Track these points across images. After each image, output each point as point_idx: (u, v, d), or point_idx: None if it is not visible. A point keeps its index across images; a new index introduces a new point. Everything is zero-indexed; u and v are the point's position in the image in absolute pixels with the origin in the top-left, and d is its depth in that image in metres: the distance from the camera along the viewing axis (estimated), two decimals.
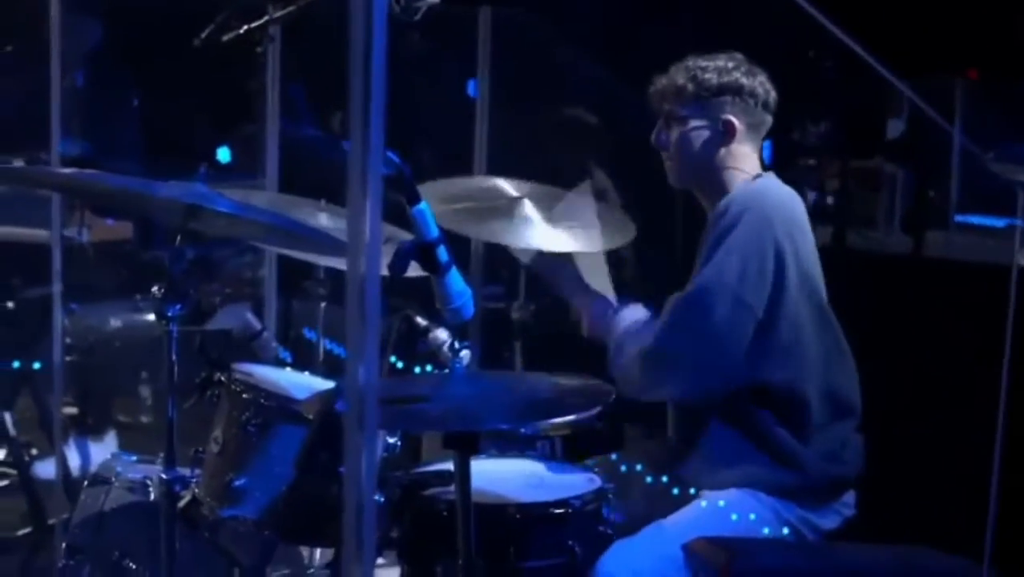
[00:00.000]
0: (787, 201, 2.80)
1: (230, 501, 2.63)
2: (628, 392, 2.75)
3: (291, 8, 3.71)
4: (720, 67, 2.83)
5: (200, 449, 2.73)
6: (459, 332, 3.87)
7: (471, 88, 5.07)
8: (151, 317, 2.78)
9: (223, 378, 2.73)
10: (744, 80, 2.82)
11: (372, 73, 1.53)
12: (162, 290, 2.41)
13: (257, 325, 2.89)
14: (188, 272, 2.41)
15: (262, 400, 2.64)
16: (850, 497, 2.86)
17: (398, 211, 3.56)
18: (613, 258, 3.30)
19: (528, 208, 3.55)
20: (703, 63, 2.84)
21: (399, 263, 2.08)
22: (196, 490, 2.69)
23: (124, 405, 5.03)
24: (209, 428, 2.74)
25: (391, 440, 2.80)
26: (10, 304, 4.70)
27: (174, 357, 2.43)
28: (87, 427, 4.80)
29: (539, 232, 3.48)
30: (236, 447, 2.65)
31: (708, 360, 2.67)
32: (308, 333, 4.03)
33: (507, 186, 3.64)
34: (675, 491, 2.81)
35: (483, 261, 4.15)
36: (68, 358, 4.57)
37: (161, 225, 4.14)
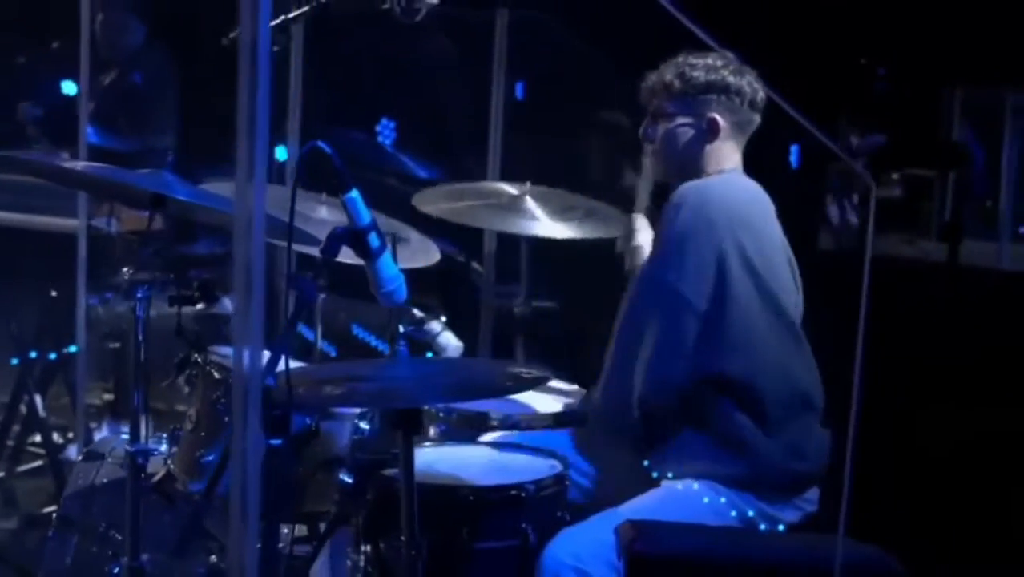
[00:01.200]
0: (735, 195, 2.85)
1: (200, 476, 2.74)
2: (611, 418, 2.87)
3: (307, 8, 3.82)
4: (708, 65, 2.89)
5: (177, 426, 2.86)
6: (466, 326, 3.99)
7: (519, 91, 5.18)
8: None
9: (199, 359, 2.85)
10: (731, 79, 2.88)
11: (258, 60, 1.64)
12: (131, 273, 2.53)
13: (232, 309, 2.99)
14: (155, 256, 2.53)
15: (231, 380, 2.75)
16: (813, 493, 2.87)
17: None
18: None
19: (530, 203, 3.67)
20: (692, 60, 2.90)
21: (331, 246, 2.18)
22: (171, 465, 2.82)
23: (159, 392, 5.17)
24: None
25: (362, 424, 2.90)
26: (53, 292, 4.89)
27: (140, 337, 2.55)
28: (121, 413, 4.96)
29: (542, 224, 3.60)
30: (208, 425, 2.77)
31: (655, 353, 2.73)
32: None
33: (508, 187, 3.76)
34: (645, 477, 2.86)
35: (495, 259, 4.24)
36: (105, 345, 4.77)
37: (191, 220, 4.30)
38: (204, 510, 2.46)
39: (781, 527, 2.77)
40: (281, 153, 6.05)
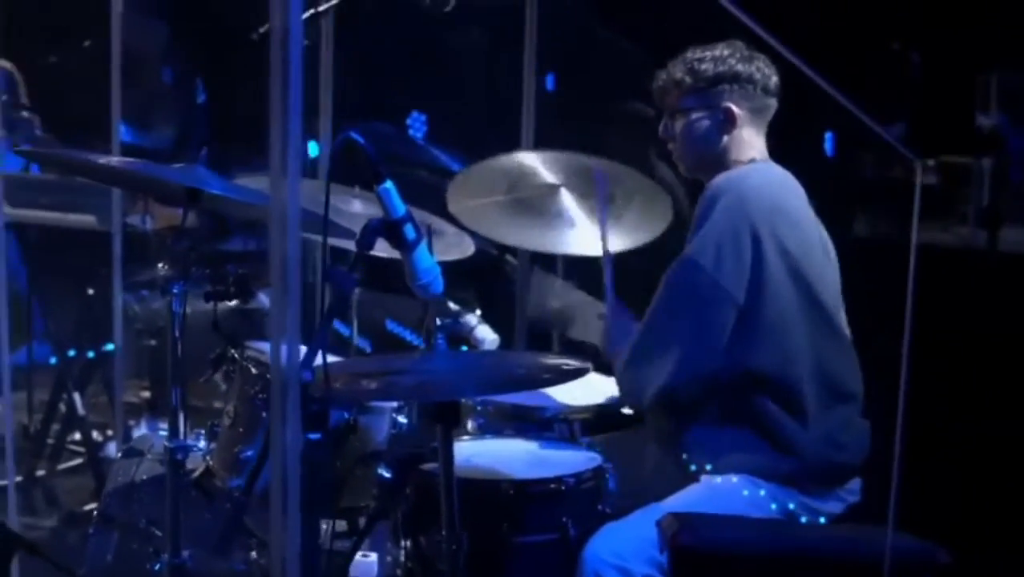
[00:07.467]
0: (770, 186, 2.82)
1: (239, 472, 2.74)
2: (626, 398, 2.90)
3: (335, 0, 3.79)
4: (716, 56, 2.86)
5: (215, 422, 2.86)
6: (501, 319, 3.93)
7: (549, 82, 5.15)
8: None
9: (236, 354, 2.84)
10: (740, 67, 2.85)
11: (290, 58, 1.64)
12: (165, 268, 2.53)
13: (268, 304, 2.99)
14: (190, 252, 2.53)
15: (269, 375, 2.74)
16: (855, 484, 2.85)
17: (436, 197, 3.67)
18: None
19: (565, 199, 3.54)
20: (699, 54, 2.88)
21: (367, 239, 2.17)
22: (210, 461, 2.82)
23: (197, 389, 5.17)
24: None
25: (399, 419, 2.89)
26: (90, 291, 4.91)
27: (177, 332, 2.55)
28: (159, 410, 4.98)
29: (577, 234, 3.48)
30: (245, 420, 2.77)
31: (689, 345, 2.71)
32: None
33: (544, 171, 3.60)
34: (682, 472, 2.84)
35: (529, 251, 4.21)
36: (141, 343, 4.79)
37: (225, 216, 4.29)
38: (243, 506, 2.44)
39: (823, 519, 2.74)
40: (313, 149, 6.06)
